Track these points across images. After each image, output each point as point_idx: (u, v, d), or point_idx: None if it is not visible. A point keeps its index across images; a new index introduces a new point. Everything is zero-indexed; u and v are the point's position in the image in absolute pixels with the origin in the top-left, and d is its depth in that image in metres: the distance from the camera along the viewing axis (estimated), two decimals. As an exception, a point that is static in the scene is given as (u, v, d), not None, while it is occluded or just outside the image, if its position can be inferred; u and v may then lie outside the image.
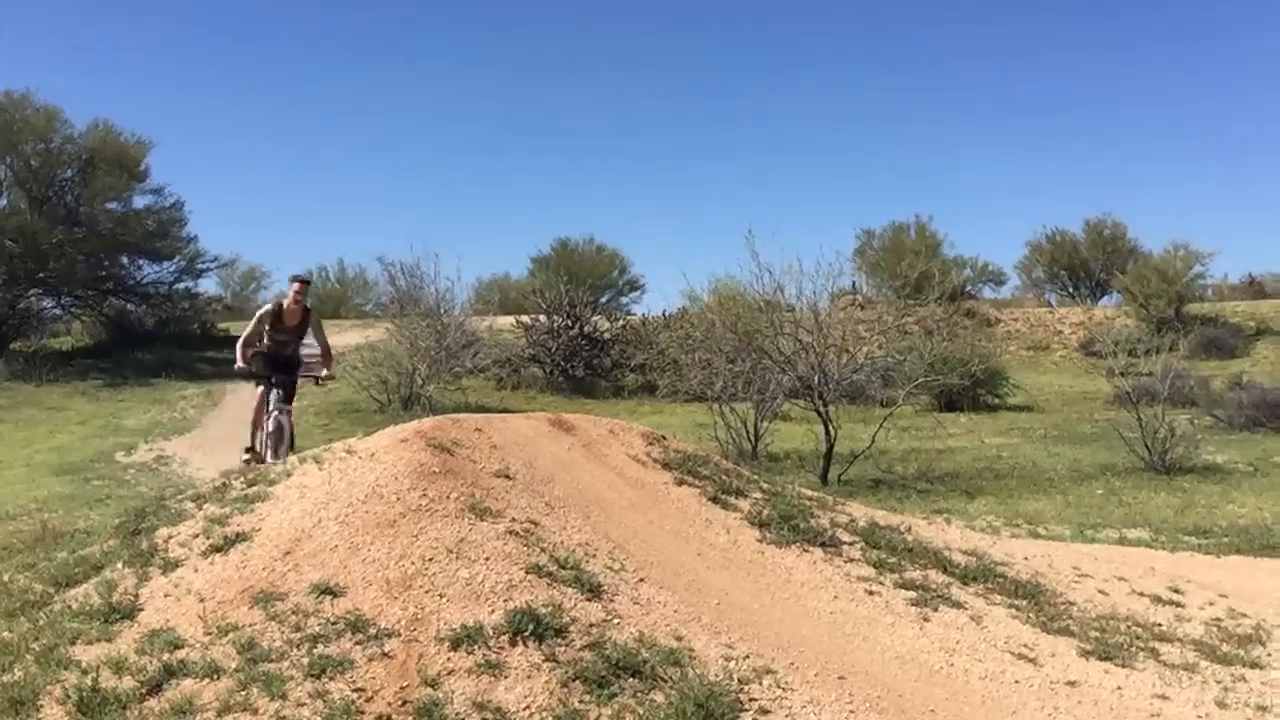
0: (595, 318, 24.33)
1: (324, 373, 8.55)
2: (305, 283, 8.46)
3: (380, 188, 72.91)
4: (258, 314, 8.37)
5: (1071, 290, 38.41)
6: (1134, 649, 5.33)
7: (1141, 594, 6.66)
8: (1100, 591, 6.58)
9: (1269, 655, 5.61)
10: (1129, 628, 5.79)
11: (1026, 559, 7.11)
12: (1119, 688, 4.80)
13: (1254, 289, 36.81)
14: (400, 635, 4.01)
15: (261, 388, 8.06)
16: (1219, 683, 5.05)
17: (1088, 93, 71.98)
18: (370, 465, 5.42)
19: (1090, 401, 20.50)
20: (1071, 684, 4.76)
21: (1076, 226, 38.34)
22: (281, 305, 8.21)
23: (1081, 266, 37.76)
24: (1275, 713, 4.75)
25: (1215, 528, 10.08)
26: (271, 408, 7.89)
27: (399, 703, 3.68)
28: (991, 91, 72.72)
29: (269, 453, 7.70)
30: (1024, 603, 5.95)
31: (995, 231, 72.34)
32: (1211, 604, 6.64)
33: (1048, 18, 72.21)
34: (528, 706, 3.64)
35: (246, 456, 7.87)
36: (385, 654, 3.90)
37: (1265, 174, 67.23)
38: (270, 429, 7.82)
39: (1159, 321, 28.17)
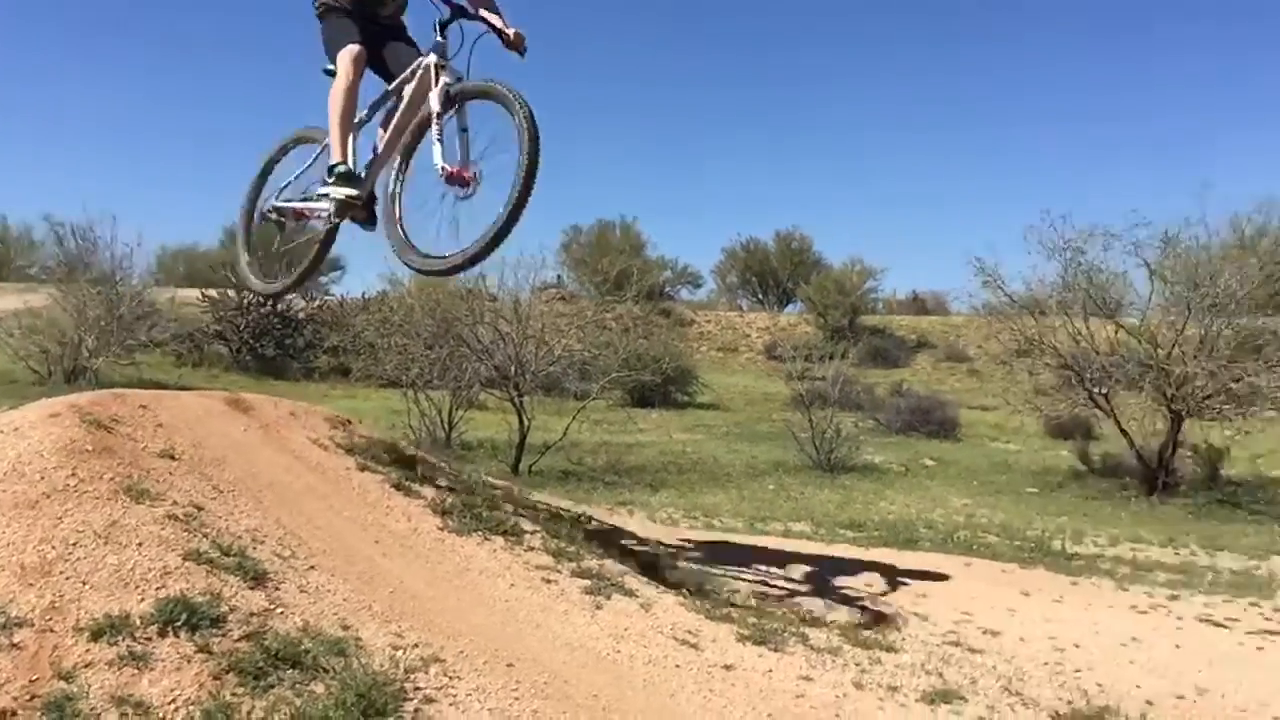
0: (290, 296, 23.34)
1: None
2: None
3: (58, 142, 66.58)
4: None
5: (761, 297, 40.74)
6: (786, 634, 5.71)
7: (797, 583, 7.18)
8: (761, 581, 7.03)
9: (903, 640, 6.17)
10: (783, 614, 6.21)
11: (698, 550, 7.50)
12: (770, 670, 5.13)
13: (917, 305, 40.49)
14: (34, 625, 3.67)
15: None
16: (857, 665, 5.49)
17: (784, 113, 76.64)
18: (13, 440, 4.93)
19: (771, 402, 21.84)
20: (728, 667, 5.05)
21: (769, 237, 40.77)
22: None
23: (771, 275, 40.13)
24: (904, 692, 5.22)
25: (868, 522, 11.01)
26: None
27: (26, 697, 3.37)
28: (702, 104, 76.06)
29: None
30: (692, 591, 6.26)
31: (696, 237, 75.60)
32: (858, 594, 7.25)
33: (760, 39, 76.23)
34: (173, 700, 3.43)
35: None
36: (15, 645, 3.56)
37: (928, 199, 74.26)
38: None
39: (835, 330, 30.42)
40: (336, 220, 5.54)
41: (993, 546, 9.94)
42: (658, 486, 12.63)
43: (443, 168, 4.87)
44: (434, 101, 5.03)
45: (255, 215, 6.12)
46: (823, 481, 13.60)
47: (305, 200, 5.67)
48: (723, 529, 10.14)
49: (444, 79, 5.10)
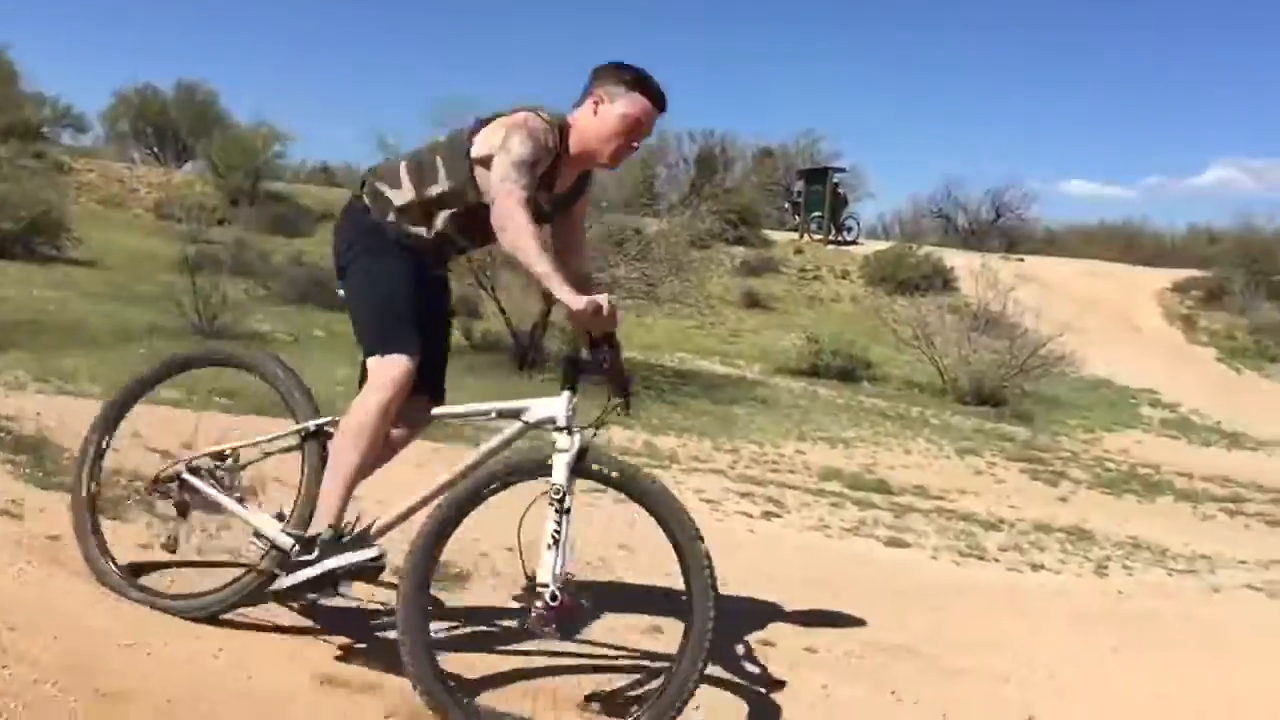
0: None
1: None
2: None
3: None
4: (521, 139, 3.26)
5: (156, 150, 37.49)
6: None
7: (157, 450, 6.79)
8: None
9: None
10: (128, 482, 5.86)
11: (40, 414, 6.77)
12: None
13: (326, 176, 39.80)
14: None
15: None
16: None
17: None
18: None
19: (157, 263, 20.22)
20: (52, 538, 4.65)
21: (170, 85, 37.54)
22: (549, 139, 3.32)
23: (169, 127, 37.03)
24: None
25: (242, 391, 10.70)
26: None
27: None
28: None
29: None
30: (25, 457, 5.65)
31: (82, 76, 67.16)
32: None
33: None
34: None
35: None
36: None
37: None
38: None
39: (235, 194, 28.88)
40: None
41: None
42: (6, 347, 11.19)
43: (554, 592, 3.06)
44: (561, 475, 3.14)
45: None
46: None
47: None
48: (77, 392, 9.27)
49: (572, 445, 3.18)
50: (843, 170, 36.25)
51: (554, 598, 3.05)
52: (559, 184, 3.48)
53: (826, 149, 42.47)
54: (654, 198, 23.41)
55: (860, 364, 17.35)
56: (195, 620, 3.65)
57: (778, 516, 8.19)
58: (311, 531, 3.53)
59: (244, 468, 3.91)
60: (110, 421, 3.98)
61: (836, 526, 8.14)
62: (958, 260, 27.29)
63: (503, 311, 15.13)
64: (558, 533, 3.12)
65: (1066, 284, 27.96)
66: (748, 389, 14.81)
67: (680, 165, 41.50)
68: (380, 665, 3.49)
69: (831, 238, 32.36)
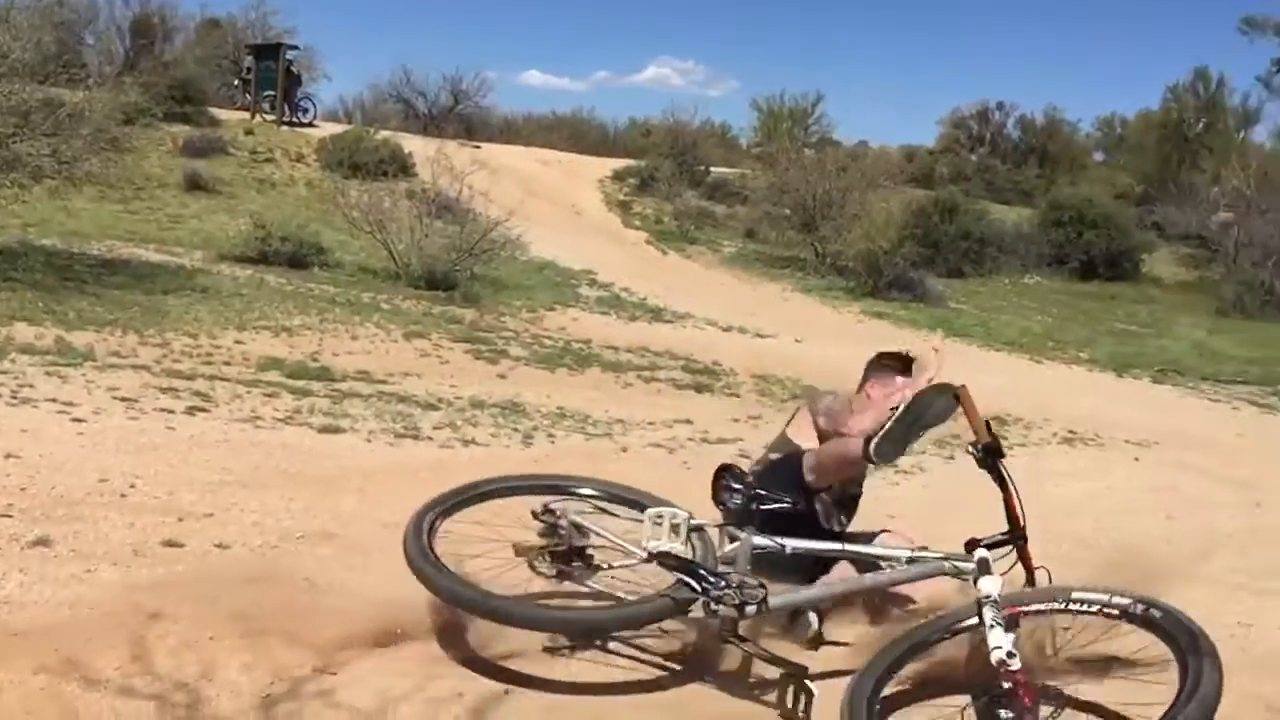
0: None
1: None
2: None
3: None
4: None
5: None
6: None
7: None
8: None
9: None
10: None
11: None
12: None
13: None
14: None
15: None
16: None
17: None
18: None
19: None
20: None
21: None
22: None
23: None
24: None
25: None
26: None
27: None
28: None
29: None
30: None
31: None
32: None
33: None
34: None
35: None
36: None
37: None
38: None
39: None
40: None
41: None
42: None
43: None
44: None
45: None
46: None
47: None
48: None
49: None
50: (296, 48, 34.49)
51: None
52: None
53: (280, 24, 40.05)
54: (81, 68, 20.65)
55: (312, 250, 16.81)
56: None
57: (204, 411, 7.75)
58: None
59: None
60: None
61: (270, 417, 7.88)
62: (416, 145, 27.28)
63: None
64: None
65: (519, 170, 29.15)
66: (186, 278, 13.78)
67: (114, 33, 37.02)
68: None
69: (286, 119, 30.86)
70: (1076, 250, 27.82)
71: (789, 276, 24.15)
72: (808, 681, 3.61)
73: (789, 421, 4.78)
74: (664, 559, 3.88)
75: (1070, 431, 10.92)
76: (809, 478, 4.43)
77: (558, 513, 4.18)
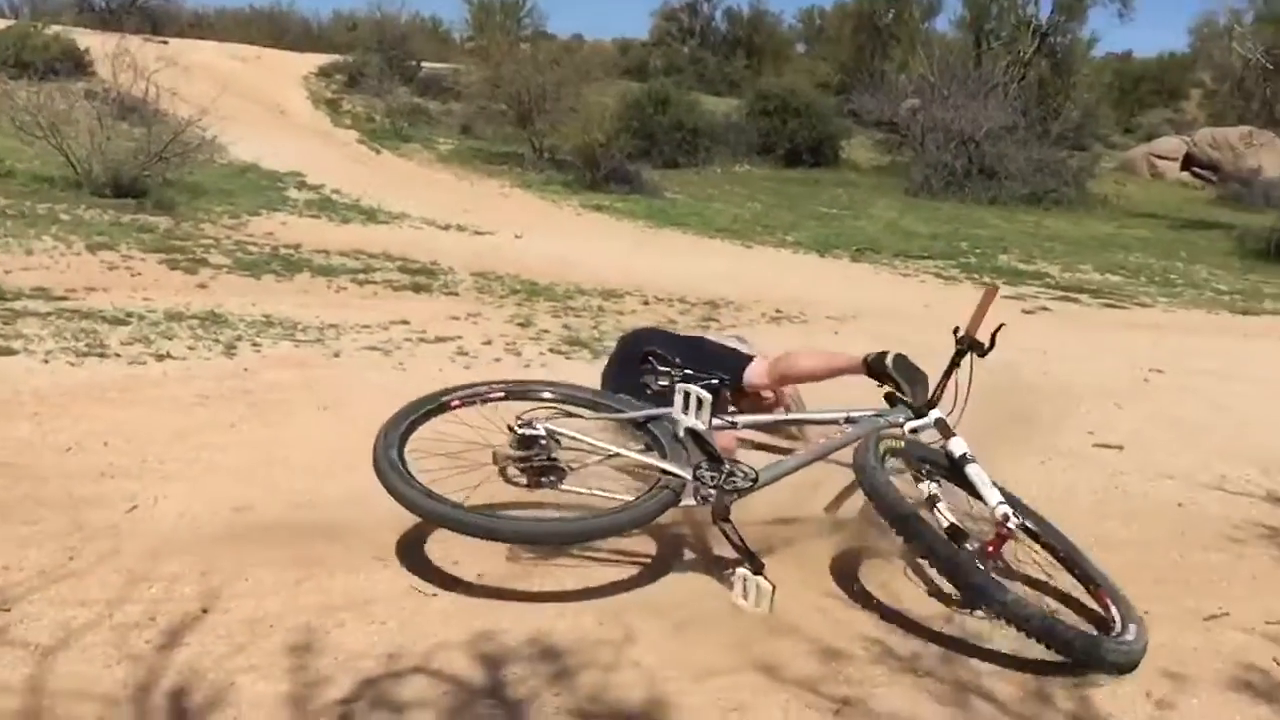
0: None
1: None
2: None
3: None
4: None
5: None
6: None
7: None
8: None
9: None
10: None
11: None
12: None
13: None
14: None
15: None
16: None
17: None
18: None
19: None
20: None
21: None
22: None
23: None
24: None
25: None
26: None
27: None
28: None
29: None
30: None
31: None
32: None
33: None
34: None
35: None
36: None
37: None
38: None
39: None
40: None
41: None
42: None
43: None
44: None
45: None
46: None
47: None
48: None
49: None
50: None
51: None
52: None
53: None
54: None
55: (-25, 159, 15.11)
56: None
57: None
58: None
59: None
60: None
61: (-75, 343, 7.08)
62: (94, 42, 24.80)
63: None
64: None
65: (214, 67, 27.10)
66: None
67: None
68: None
69: (-67, 11, 27.30)
70: (782, 139, 29.03)
71: (507, 173, 23.90)
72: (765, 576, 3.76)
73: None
74: (696, 439, 3.89)
75: (777, 310, 11.48)
76: (753, 379, 4.49)
77: (534, 423, 3.96)
